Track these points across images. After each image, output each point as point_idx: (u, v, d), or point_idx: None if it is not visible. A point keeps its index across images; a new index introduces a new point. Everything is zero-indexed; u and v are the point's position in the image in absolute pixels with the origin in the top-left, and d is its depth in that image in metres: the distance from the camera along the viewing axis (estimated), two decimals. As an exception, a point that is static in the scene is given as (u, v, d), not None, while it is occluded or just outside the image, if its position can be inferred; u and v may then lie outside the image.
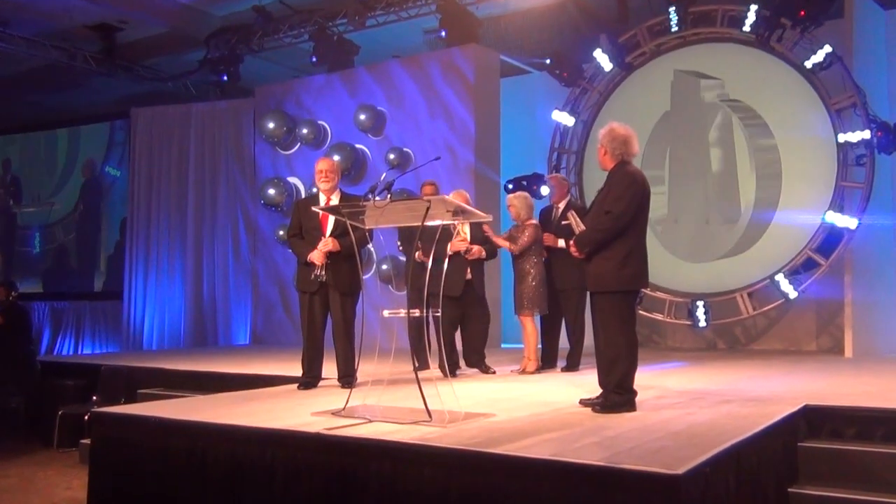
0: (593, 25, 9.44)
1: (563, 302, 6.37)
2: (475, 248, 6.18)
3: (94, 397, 6.97)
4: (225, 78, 11.27)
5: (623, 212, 4.14)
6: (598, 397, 4.32)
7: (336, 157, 9.99)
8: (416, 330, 5.59)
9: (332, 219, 5.42)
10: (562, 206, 6.45)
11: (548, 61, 9.63)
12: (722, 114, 9.06)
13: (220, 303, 11.35)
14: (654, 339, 9.76)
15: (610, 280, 4.15)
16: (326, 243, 5.36)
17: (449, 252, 5.95)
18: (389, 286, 9.59)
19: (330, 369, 5.58)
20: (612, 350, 4.16)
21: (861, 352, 7.80)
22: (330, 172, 5.49)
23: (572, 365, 6.44)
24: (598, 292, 4.23)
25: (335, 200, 5.47)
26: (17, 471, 6.05)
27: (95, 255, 13.32)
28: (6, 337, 8.49)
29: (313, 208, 4.97)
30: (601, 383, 4.31)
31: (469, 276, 6.19)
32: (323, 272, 5.37)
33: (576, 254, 4.33)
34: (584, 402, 4.38)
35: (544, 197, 9.67)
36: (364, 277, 9.34)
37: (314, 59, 10.56)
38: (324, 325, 5.51)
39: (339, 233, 5.37)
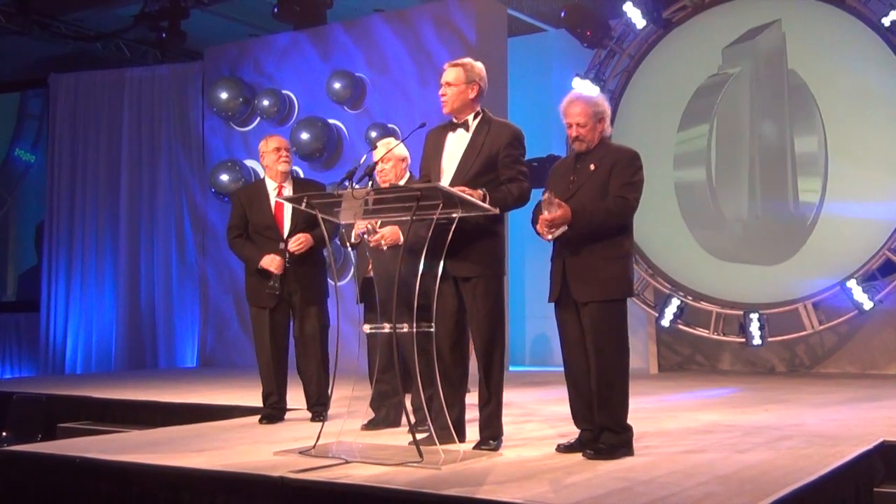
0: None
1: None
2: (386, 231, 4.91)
3: (4, 433, 6.95)
4: (165, 35, 11.22)
5: (636, 202, 4.21)
6: (579, 439, 4.17)
7: (305, 135, 10.01)
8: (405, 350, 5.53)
9: (287, 212, 5.38)
10: None
11: (563, 14, 9.60)
12: (777, 82, 9.08)
13: (161, 316, 11.33)
14: (698, 361, 9.77)
15: (618, 285, 4.14)
16: (299, 240, 5.27)
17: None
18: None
19: (298, 397, 5.58)
20: (609, 375, 4.07)
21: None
22: (288, 151, 5.51)
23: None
24: (596, 302, 4.11)
25: (288, 189, 5.45)
26: None
27: (2, 260, 13.25)
28: None
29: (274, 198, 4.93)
30: (594, 420, 4.11)
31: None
32: (277, 283, 5.32)
33: (548, 225, 4.02)
34: (562, 449, 4.20)
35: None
36: (340, 284, 9.33)
37: (276, 10, 10.52)
38: (286, 345, 5.50)
39: (303, 228, 5.34)
